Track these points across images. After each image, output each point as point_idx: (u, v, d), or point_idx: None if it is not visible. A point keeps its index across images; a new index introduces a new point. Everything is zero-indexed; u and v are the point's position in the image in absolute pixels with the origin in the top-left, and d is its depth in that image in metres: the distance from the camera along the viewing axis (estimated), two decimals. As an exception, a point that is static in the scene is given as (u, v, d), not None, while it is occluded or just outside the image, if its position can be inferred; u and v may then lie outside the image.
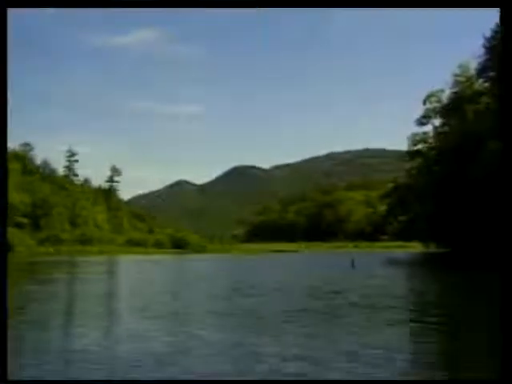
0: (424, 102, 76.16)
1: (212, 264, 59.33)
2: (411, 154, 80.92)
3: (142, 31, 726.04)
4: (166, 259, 70.12)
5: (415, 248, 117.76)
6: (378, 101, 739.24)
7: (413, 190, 77.27)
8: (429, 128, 78.91)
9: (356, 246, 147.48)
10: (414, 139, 79.68)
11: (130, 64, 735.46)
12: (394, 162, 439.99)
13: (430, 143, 78.95)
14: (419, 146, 79.90)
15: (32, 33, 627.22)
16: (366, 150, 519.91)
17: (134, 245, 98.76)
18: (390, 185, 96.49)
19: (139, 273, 44.28)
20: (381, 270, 45.17)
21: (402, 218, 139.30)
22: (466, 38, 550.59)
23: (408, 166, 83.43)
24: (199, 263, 60.92)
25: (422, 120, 77.24)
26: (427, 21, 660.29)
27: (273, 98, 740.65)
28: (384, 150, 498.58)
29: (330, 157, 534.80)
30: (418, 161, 79.64)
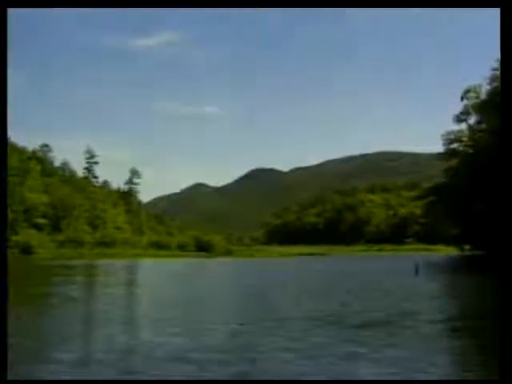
0: (462, 98, 72.41)
1: (267, 269, 54.52)
2: (447, 154, 77.17)
3: (164, 34, 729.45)
4: (200, 263, 66.53)
5: (440, 251, 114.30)
6: (391, 104, 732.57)
7: (450, 191, 73.52)
8: (459, 126, 75.36)
9: (380, 250, 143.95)
10: (448, 138, 76.01)
11: (151, 66, 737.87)
12: (411, 165, 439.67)
13: (466, 141, 75.38)
14: (454, 145, 76.36)
15: (52, 34, 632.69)
16: (382, 153, 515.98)
17: (158, 247, 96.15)
18: (426, 185, 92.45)
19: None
20: (448, 277, 39.45)
21: (423, 220, 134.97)
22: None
23: (445, 165, 79.34)
24: (252, 269, 55.91)
25: (461, 116, 73.29)
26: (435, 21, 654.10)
27: (292, 102, 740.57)
28: (400, 153, 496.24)
29: (347, 160, 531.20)
30: (454, 160, 75.94)
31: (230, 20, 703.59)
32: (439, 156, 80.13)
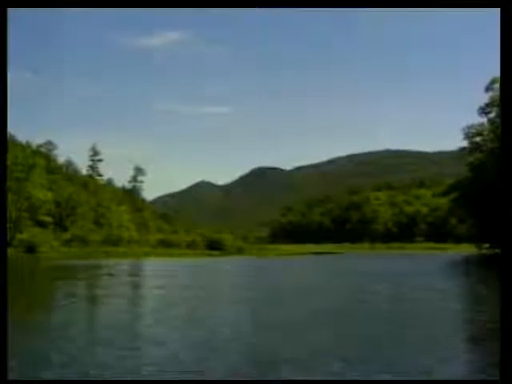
0: (487, 89, 69.02)
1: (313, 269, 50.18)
2: (467, 149, 74.15)
3: (167, 33, 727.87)
4: (223, 262, 61.55)
5: (453, 249, 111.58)
6: (395, 101, 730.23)
7: (470, 188, 70.52)
8: (482, 119, 72.08)
9: (390, 248, 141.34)
10: (470, 132, 72.90)
11: (155, 65, 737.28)
12: (416, 163, 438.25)
13: (486, 135, 72.23)
14: (475, 140, 73.24)
15: (54, 32, 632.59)
16: (387, 151, 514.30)
17: (167, 246, 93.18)
18: (450, 181, 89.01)
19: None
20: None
21: (429, 218, 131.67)
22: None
23: (461, 162, 76.34)
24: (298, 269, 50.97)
25: (486, 109, 69.70)
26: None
27: (296, 100, 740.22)
28: (405, 151, 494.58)
29: (351, 158, 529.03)
30: (476, 156, 72.84)
31: (232, 19, 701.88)
32: (461, 151, 76.75)
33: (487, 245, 77.14)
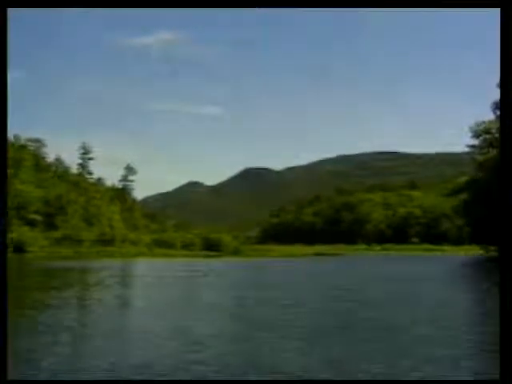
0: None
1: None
2: (475, 147, 71.74)
3: (163, 32, 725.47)
4: (237, 265, 55.09)
5: (446, 251, 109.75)
6: (393, 101, 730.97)
7: (478, 188, 68.00)
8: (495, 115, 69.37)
9: (384, 249, 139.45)
10: (478, 129, 70.34)
11: (150, 65, 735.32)
12: (407, 165, 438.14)
13: (494, 133, 69.69)
14: (484, 137, 70.72)
15: (51, 31, 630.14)
16: (377, 153, 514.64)
17: (163, 246, 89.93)
18: (462, 180, 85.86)
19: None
20: None
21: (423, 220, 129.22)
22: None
23: (473, 160, 73.71)
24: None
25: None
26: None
27: (288, 101, 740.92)
28: (395, 153, 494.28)
29: (341, 159, 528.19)
30: (484, 154, 70.31)
31: (227, 19, 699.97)
32: (470, 149, 74.22)
33: (493, 247, 74.88)
